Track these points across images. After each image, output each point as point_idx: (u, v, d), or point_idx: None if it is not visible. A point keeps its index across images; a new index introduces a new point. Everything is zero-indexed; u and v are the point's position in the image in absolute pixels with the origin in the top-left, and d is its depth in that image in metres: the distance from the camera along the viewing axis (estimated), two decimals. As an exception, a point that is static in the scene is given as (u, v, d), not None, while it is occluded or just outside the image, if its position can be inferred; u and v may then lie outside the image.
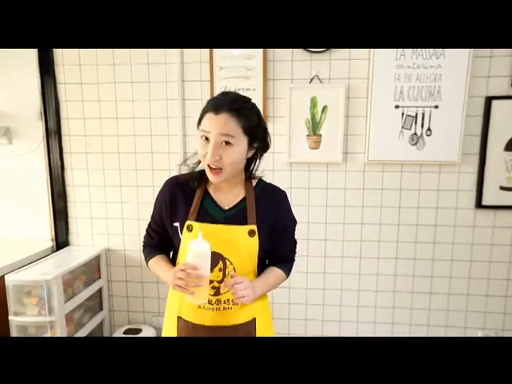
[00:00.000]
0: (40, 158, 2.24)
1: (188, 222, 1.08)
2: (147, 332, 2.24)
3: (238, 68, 2.04)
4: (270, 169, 2.09)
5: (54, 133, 2.20)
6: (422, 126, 1.99)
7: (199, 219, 1.08)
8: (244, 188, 1.14)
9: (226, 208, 1.11)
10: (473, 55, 1.90)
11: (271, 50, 2.02)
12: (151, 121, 2.16)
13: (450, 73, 1.93)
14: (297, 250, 1.26)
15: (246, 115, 1.01)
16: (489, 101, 1.95)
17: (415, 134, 2.00)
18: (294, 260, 1.25)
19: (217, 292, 1.08)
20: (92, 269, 2.22)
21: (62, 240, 2.31)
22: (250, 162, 1.14)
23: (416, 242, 2.12)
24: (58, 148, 2.22)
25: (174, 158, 2.16)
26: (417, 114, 1.98)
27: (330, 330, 2.25)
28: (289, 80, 2.04)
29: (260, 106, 1.10)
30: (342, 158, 2.06)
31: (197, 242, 0.97)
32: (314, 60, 2.02)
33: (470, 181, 2.04)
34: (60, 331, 1.89)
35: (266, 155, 1.16)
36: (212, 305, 1.09)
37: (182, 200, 1.12)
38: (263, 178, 1.19)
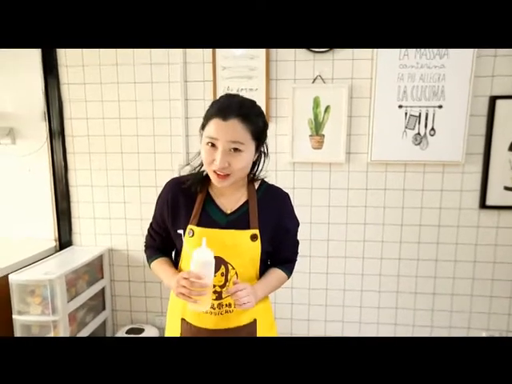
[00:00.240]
0: (43, 159, 2.25)
1: (190, 227, 1.07)
2: (150, 332, 2.25)
3: (240, 68, 2.04)
4: (272, 169, 2.09)
5: (57, 133, 2.21)
6: (426, 126, 1.98)
7: (201, 224, 1.07)
8: (246, 191, 1.12)
9: (229, 212, 1.10)
10: (477, 55, 1.89)
11: (274, 49, 2.02)
12: (154, 121, 2.16)
13: (454, 72, 1.92)
14: (299, 250, 1.25)
15: (253, 121, 1.00)
16: (493, 100, 1.94)
17: (419, 133, 1.99)
18: (295, 260, 1.25)
19: (219, 296, 1.08)
20: (95, 268, 2.23)
21: (65, 240, 2.32)
22: (253, 165, 1.12)
23: (419, 242, 2.12)
24: (62, 148, 2.23)
25: (177, 158, 2.16)
26: (420, 114, 1.98)
27: (332, 330, 2.25)
28: (291, 80, 2.04)
29: (263, 106, 1.10)
30: (345, 158, 2.06)
31: (201, 250, 0.95)
32: (317, 60, 2.01)
33: (473, 181, 2.03)
34: (63, 330, 1.89)
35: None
36: (214, 309, 1.08)
37: (184, 203, 1.10)
38: (266, 179, 1.18)
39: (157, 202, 1.17)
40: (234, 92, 2.01)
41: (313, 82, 2.02)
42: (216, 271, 1.03)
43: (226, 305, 1.09)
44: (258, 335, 1.14)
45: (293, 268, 1.23)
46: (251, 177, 1.14)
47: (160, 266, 1.17)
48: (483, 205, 2.02)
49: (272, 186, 1.18)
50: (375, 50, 1.94)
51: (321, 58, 2.01)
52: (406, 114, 1.98)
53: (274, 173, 2.10)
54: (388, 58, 1.94)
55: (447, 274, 2.13)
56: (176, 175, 1.19)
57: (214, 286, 1.06)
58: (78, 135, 2.23)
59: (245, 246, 1.06)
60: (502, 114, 1.94)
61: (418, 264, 2.14)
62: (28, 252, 2.10)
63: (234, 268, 1.07)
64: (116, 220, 2.29)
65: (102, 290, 2.29)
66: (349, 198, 2.12)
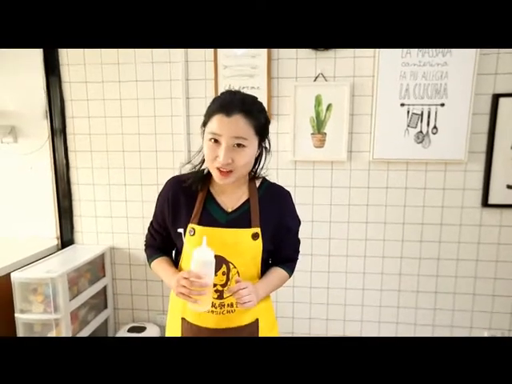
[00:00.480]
0: (45, 157, 2.25)
1: (190, 226, 1.06)
2: (151, 330, 2.25)
3: (242, 66, 2.03)
4: (274, 167, 2.09)
5: (59, 131, 2.21)
6: (428, 124, 1.97)
7: (202, 222, 1.06)
8: (248, 189, 1.12)
9: (230, 210, 1.09)
10: (479, 53, 1.88)
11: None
12: (155, 119, 2.16)
13: (457, 70, 1.91)
14: (300, 249, 1.25)
15: (256, 116, 1.00)
16: (496, 98, 1.93)
17: (421, 132, 1.98)
18: (297, 259, 1.24)
19: (220, 296, 1.07)
20: (97, 267, 2.23)
21: (66, 238, 2.32)
22: (255, 162, 1.11)
23: (421, 240, 2.11)
24: (63, 146, 2.23)
25: (179, 157, 2.16)
26: (422, 112, 1.97)
27: (334, 328, 2.25)
28: (293, 78, 2.03)
29: (264, 105, 1.09)
30: (347, 157, 2.05)
31: (201, 249, 0.95)
32: (319, 58, 2.00)
33: (476, 179, 2.02)
34: (65, 329, 1.90)
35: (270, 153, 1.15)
36: (215, 308, 1.08)
37: (185, 202, 1.10)
38: (267, 178, 1.17)
39: (157, 201, 1.17)
40: (235, 90, 2.00)
41: (314, 80, 2.02)
42: (217, 270, 1.03)
43: (228, 305, 1.08)
44: (259, 335, 1.14)
45: (294, 267, 1.23)
46: (252, 175, 1.13)
47: (160, 265, 1.17)
48: (486, 203, 2.02)
49: (273, 184, 1.17)
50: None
51: (323, 56, 2.00)
52: (408, 112, 1.97)
53: (275, 171, 2.09)
54: (390, 56, 1.93)
55: (449, 273, 2.12)
56: (177, 173, 1.18)
57: (216, 285, 1.05)
58: (80, 133, 2.23)
59: (246, 245, 1.06)
60: (504, 112, 1.93)
61: (420, 262, 2.13)
62: (30, 250, 2.11)
63: (235, 267, 1.07)
64: (118, 218, 2.29)
65: (104, 289, 2.30)
66: (351, 197, 2.11)
